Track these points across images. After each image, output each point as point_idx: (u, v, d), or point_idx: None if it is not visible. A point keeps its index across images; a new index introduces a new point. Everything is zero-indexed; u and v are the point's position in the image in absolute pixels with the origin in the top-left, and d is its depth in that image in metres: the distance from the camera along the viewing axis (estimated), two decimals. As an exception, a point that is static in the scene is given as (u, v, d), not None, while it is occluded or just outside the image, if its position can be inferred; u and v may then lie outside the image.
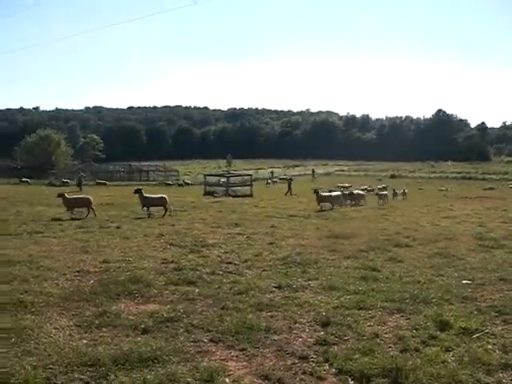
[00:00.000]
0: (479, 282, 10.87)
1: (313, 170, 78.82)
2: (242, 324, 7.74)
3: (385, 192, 37.29)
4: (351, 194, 32.85)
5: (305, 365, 6.52)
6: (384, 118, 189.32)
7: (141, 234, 17.20)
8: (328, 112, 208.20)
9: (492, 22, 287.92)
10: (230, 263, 12.64)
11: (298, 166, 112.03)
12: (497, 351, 6.96)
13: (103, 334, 7.43)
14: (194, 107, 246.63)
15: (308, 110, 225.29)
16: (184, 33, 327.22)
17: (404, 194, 39.20)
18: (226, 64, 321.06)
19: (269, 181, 60.29)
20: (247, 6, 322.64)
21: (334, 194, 31.48)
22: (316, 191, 29.88)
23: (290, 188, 44.01)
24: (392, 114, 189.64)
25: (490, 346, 7.13)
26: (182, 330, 7.62)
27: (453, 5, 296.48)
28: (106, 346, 6.93)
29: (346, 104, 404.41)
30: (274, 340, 7.31)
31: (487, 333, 7.66)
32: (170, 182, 61.68)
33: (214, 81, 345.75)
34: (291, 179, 50.59)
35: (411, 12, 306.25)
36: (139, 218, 22.57)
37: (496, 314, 8.60)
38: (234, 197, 40.66)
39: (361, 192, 34.70)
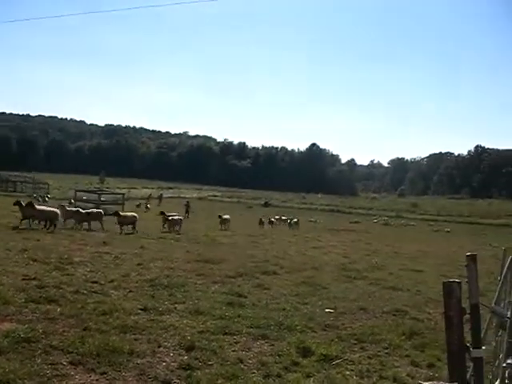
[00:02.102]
0: (341, 311, 11.38)
1: (161, 195, 73.47)
2: (104, 346, 7.51)
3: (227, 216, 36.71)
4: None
5: (167, 389, 6.45)
6: (260, 147, 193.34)
7: (2, 248, 16.23)
8: (206, 137, 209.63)
9: (361, 68, 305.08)
10: (96, 283, 12.25)
11: (172, 188, 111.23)
12: (354, 377, 7.31)
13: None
14: (71, 119, 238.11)
15: (186, 132, 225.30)
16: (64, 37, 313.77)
17: (272, 222, 40.26)
18: (106, 77, 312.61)
19: (148, 205, 53.03)
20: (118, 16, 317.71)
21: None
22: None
23: (188, 211, 45.03)
24: (268, 144, 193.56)
25: (348, 372, 7.47)
26: (39, 352, 7.22)
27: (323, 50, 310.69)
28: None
29: (223, 130, 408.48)
30: (137, 363, 7.17)
31: (346, 359, 8.01)
32: (35, 195, 58.51)
33: (92, 94, 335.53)
34: (188, 202, 50.31)
35: (295, 56, 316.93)
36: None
37: (355, 342, 9.04)
38: (104, 215, 39.62)
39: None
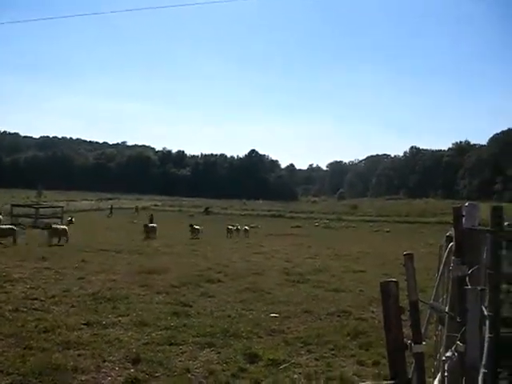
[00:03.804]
0: (286, 315, 11.45)
1: (111, 207, 72.87)
2: (46, 364, 7.32)
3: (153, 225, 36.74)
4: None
5: (113, 404, 6.35)
6: (199, 155, 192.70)
7: None
8: (144, 146, 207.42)
9: (298, 69, 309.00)
10: (36, 299, 11.97)
11: (111, 199, 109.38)
12: (302, 380, 7.38)
13: None
14: (4, 132, 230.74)
15: (124, 142, 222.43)
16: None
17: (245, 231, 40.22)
18: (39, 87, 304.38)
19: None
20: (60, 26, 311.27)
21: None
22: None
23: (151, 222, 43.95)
24: (207, 152, 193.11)
25: (295, 376, 7.53)
26: (-23, 374, 7.00)
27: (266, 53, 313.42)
28: None
29: (162, 139, 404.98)
30: (82, 380, 7.03)
31: (293, 363, 8.07)
32: None
33: (25, 105, 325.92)
34: (151, 215, 49.73)
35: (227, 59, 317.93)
36: None
37: (301, 345, 9.12)
38: (42, 229, 38.67)
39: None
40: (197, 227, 36.34)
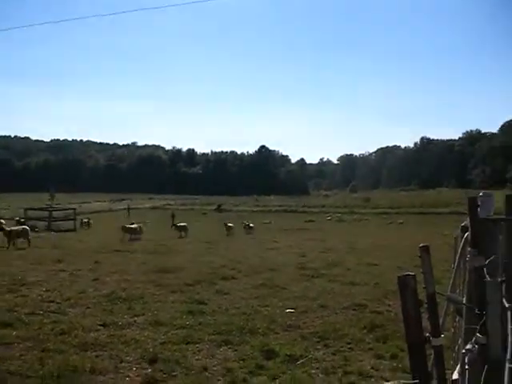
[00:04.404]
0: (302, 310, 11.43)
1: (128, 206, 73.31)
2: (64, 366, 7.36)
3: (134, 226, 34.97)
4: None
5: (132, 405, 6.36)
6: (209, 153, 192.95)
7: None
8: (154, 146, 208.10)
9: (299, 66, 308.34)
10: (52, 302, 12.04)
11: (124, 199, 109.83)
12: (320, 375, 7.36)
13: None
14: (15, 136, 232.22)
15: (134, 143, 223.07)
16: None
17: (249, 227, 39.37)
18: (48, 91, 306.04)
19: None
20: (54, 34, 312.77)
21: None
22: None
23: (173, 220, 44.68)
24: (217, 149, 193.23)
25: (313, 371, 7.51)
26: (-3, 379, 7.04)
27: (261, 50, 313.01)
28: None
29: (171, 138, 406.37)
30: (100, 382, 7.06)
31: (310, 358, 8.05)
32: None
33: (34, 109, 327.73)
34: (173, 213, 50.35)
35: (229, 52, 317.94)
36: None
37: (318, 340, 9.10)
38: (56, 231, 38.96)
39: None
40: (230, 225, 36.27)
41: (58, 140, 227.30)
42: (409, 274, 2.74)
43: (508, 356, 2.30)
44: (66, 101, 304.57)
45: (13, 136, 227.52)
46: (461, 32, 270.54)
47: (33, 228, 40.57)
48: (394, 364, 7.77)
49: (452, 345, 4.30)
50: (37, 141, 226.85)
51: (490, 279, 2.71)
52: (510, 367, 2.24)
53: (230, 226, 36.12)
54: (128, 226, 33.71)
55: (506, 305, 2.58)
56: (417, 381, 2.77)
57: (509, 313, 2.53)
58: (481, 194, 3.44)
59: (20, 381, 6.97)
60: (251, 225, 39.40)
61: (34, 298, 12.52)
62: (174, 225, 35.77)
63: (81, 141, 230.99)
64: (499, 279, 2.69)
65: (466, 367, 2.76)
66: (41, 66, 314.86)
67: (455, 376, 3.38)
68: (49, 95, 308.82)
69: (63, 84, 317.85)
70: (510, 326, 2.46)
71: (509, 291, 2.66)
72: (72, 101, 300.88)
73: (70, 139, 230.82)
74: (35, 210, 51.49)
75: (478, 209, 3.27)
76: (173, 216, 46.06)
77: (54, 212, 48.01)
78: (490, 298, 2.57)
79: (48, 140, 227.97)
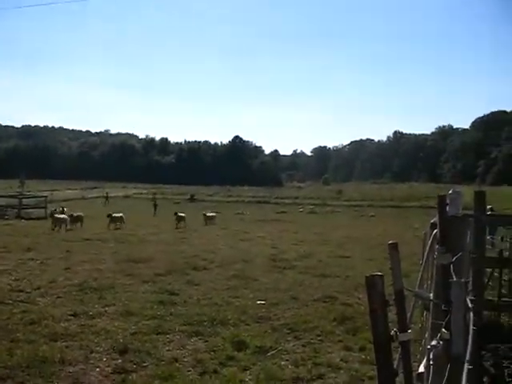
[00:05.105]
0: (273, 302, 11.52)
1: (106, 194, 72.24)
2: (34, 357, 7.32)
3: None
4: None
5: (101, 395, 6.36)
6: (183, 142, 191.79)
7: None
8: (127, 134, 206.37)
9: (282, 63, 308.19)
10: (21, 291, 11.93)
11: (96, 187, 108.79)
12: (289, 366, 7.44)
13: None
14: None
15: (107, 131, 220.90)
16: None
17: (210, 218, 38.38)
18: (19, 75, 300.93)
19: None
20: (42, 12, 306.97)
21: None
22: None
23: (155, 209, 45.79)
24: (191, 138, 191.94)
25: (283, 362, 7.60)
26: (-36, 368, 6.97)
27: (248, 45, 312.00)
28: None
29: (145, 126, 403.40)
30: (70, 372, 7.04)
31: (281, 350, 8.14)
32: None
33: (4, 93, 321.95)
34: (155, 199, 50.67)
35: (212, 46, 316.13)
36: None
37: (288, 331, 9.19)
38: (26, 219, 38.43)
39: None
40: (182, 215, 35.37)
41: (29, 126, 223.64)
42: (377, 274, 2.79)
43: (467, 357, 2.37)
44: (37, 86, 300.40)
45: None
46: (434, 28, 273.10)
47: (2, 215, 40.16)
48: (363, 356, 7.90)
49: (419, 338, 4.39)
50: (7, 126, 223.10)
51: (456, 278, 2.77)
52: (467, 368, 2.30)
53: (181, 216, 34.59)
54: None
55: (470, 305, 2.66)
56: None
57: (470, 314, 2.60)
58: (450, 191, 3.50)
59: (-12, 371, 6.92)
60: (209, 214, 38.32)
61: (3, 287, 12.39)
62: (109, 215, 33.40)
63: (52, 127, 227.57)
64: (463, 280, 2.76)
65: (431, 362, 2.83)
66: (12, 49, 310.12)
67: (421, 369, 3.45)
68: (20, 80, 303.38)
69: (36, 69, 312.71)
70: (470, 327, 2.53)
71: (475, 286, 2.73)
72: (44, 86, 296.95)
73: (41, 125, 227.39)
74: (5, 197, 50.73)
75: (447, 207, 3.34)
76: (155, 205, 46.02)
77: (24, 199, 47.35)
78: (454, 298, 2.64)
79: (19, 126, 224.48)
